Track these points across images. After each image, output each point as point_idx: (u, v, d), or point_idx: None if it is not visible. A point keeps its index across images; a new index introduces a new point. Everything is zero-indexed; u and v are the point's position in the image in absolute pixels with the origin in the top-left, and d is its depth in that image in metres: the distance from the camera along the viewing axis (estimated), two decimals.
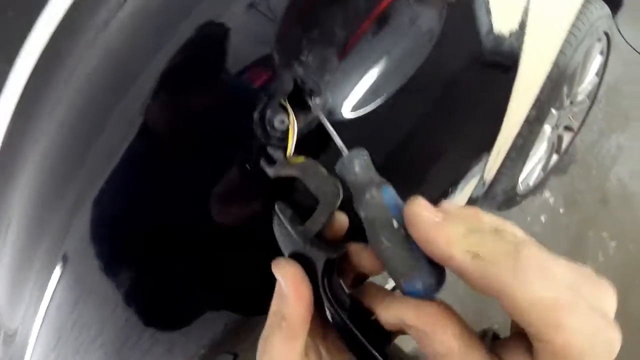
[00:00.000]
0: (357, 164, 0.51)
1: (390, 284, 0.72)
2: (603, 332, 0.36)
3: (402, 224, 0.43)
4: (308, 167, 0.56)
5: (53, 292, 0.67)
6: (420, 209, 0.41)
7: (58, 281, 0.66)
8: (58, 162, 0.65)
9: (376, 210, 0.46)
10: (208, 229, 0.70)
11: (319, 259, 0.49)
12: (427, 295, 0.43)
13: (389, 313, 0.44)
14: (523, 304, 0.36)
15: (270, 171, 0.62)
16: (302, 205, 0.56)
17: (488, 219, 0.41)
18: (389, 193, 0.47)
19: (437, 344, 0.40)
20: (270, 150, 0.63)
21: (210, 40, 0.63)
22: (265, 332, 0.49)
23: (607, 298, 0.38)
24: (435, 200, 0.43)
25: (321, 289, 0.49)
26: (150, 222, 0.68)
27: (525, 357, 0.39)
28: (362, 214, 0.47)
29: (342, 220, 0.54)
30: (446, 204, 0.43)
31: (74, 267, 0.66)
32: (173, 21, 0.62)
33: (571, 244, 2.78)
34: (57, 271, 0.66)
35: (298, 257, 0.51)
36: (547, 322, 0.35)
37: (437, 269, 0.43)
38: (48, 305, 0.67)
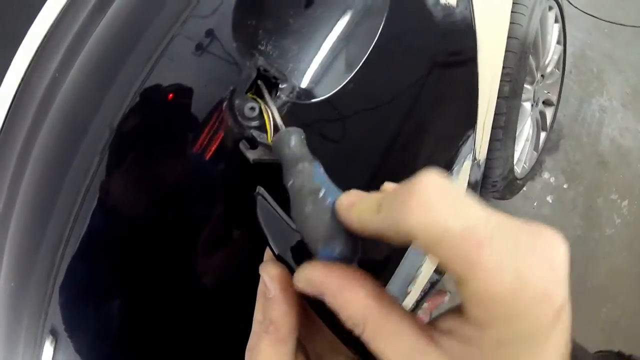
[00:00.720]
0: (294, 139, 0.51)
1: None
2: (537, 282, 0.31)
3: (326, 195, 0.43)
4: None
5: None
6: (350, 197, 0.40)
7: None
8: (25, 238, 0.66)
9: (305, 179, 0.46)
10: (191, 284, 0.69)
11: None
12: (342, 261, 0.41)
13: (300, 276, 0.41)
14: (430, 237, 0.31)
15: (251, 155, 0.60)
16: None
17: None
18: (319, 169, 0.48)
19: (350, 308, 0.37)
20: (255, 133, 0.62)
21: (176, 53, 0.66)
22: (251, 341, 0.46)
23: (551, 249, 0.33)
24: None
25: None
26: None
27: (454, 314, 0.35)
28: (290, 182, 0.47)
29: None
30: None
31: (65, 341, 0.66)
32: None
33: (584, 217, 2.76)
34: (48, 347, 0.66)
35: (289, 240, 0.50)
36: (458, 257, 0.31)
37: (353, 239, 0.41)
38: None
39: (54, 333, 0.65)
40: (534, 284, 0.30)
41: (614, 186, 2.83)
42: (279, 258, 0.49)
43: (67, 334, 0.65)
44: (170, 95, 0.66)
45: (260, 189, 0.52)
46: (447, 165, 1.18)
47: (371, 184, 0.77)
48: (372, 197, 0.38)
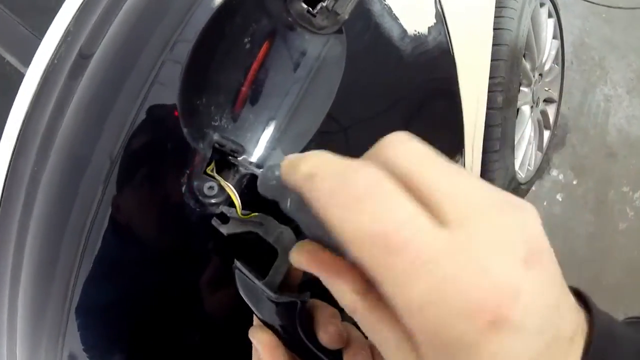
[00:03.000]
0: (277, 170, 0.49)
1: None
2: (461, 292, 0.28)
3: None
4: (262, 220, 0.59)
5: None
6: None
7: None
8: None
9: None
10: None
11: (295, 303, 0.50)
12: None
13: (294, 257, 0.42)
14: (344, 236, 0.31)
15: (224, 229, 0.62)
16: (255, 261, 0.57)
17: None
18: None
19: (343, 300, 0.37)
20: (224, 209, 0.64)
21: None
22: None
23: (486, 247, 0.30)
24: None
25: (300, 330, 0.50)
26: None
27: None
28: (288, 204, 0.44)
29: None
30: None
31: None
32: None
33: (595, 212, 2.69)
34: None
35: (269, 307, 0.53)
36: (370, 263, 0.30)
37: None
38: None
39: (72, 357, 0.68)
40: (453, 295, 0.28)
41: (625, 178, 2.75)
42: (264, 323, 0.53)
43: (85, 356, 0.68)
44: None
45: (237, 263, 0.55)
46: None
47: None
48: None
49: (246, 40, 0.70)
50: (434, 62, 1.01)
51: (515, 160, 2.10)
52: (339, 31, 0.75)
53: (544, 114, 2.50)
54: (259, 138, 0.71)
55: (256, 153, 0.70)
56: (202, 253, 0.70)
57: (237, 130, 0.69)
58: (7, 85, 0.87)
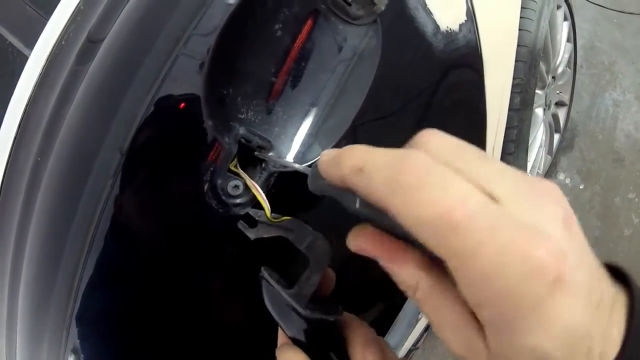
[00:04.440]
0: None
1: None
2: (522, 256, 0.30)
3: None
4: (294, 225, 0.56)
5: None
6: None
7: None
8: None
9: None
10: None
11: (326, 322, 0.49)
12: None
13: (352, 244, 0.41)
14: (408, 221, 0.32)
15: (251, 233, 0.58)
16: (283, 267, 0.55)
17: None
18: None
19: (403, 275, 0.38)
20: (251, 212, 0.59)
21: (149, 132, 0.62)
22: None
23: (543, 215, 0.32)
24: None
25: (333, 354, 0.49)
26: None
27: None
28: (356, 205, 0.42)
29: (330, 277, 0.54)
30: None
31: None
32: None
33: (601, 218, 2.66)
34: None
35: (299, 323, 0.50)
36: (435, 238, 0.31)
37: None
38: None
39: (75, 351, 0.66)
40: (517, 258, 0.30)
41: (631, 184, 2.72)
42: (294, 341, 0.50)
43: (88, 351, 0.66)
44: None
45: (264, 272, 0.52)
46: None
47: None
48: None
49: (277, 27, 0.66)
50: (463, 60, 0.98)
51: (528, 163, 2.08)
52: (375, 22, 0.72)
53: (555, 117, 2.49)
54: (291, 133, 0.67)
55: (286, 149, 0.66)
56: (224, 258, 0.67)
57: (265, 124, 0.66)
58: (8, 69, 0.83)
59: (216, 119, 0.62)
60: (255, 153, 0.63)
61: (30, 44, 0.71)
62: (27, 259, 0.66)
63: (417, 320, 1.16)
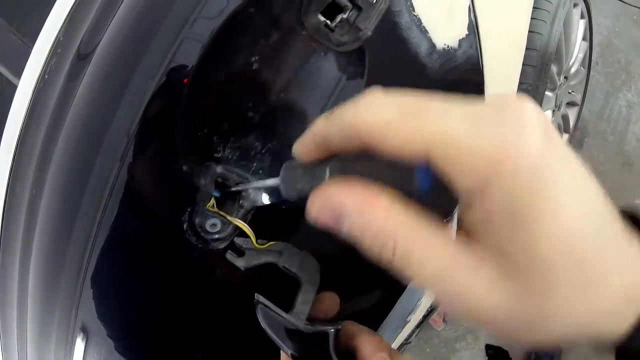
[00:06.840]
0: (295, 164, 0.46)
1: None
2: (487, 141, 0.30)
3: None
4: (281, 247, 0.57)
5: None
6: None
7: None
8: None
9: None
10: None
11: (326, 332, 0.50)
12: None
13: (316, 199, 0.37)
14: (373, 126, 0.33)
15: (241, 262, 0.59)
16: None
17: None
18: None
19: (377, 224, 0.33)
20: (237, 240, 0.60)
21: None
22: None
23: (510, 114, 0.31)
24: None
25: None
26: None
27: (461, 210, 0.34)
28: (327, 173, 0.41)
29: (333, 299, 0.55)
30: None
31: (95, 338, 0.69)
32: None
33: None
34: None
35: (299, 339, 0.51)
36: (406, 138, 0.31)
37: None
38: None
39: (84, 329, 0.67)
40: (484, 143, 0.30)
41: (639, 189, 2.66)
42: (294, 358, 0.51)
43: (98, 327, 0.68)
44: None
45: (259, 297, 0.52)
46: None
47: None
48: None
49: (253, 59, 0.63)
50: (462, 77, 0.93)
51: None
52: (360, 49, 0.68)
53: (564, 117, 2.43)
54: (270, 168, 0.66)
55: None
56: (209, 291, 0.69)
57: (243, 159, 0.65)
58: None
59: (191, 161, 0.63)
60: (233, 189, 0.63)
61: (18, 73, 0.72)
62: (36, 240, 0.68)
63: (407, 323, 1.17)
